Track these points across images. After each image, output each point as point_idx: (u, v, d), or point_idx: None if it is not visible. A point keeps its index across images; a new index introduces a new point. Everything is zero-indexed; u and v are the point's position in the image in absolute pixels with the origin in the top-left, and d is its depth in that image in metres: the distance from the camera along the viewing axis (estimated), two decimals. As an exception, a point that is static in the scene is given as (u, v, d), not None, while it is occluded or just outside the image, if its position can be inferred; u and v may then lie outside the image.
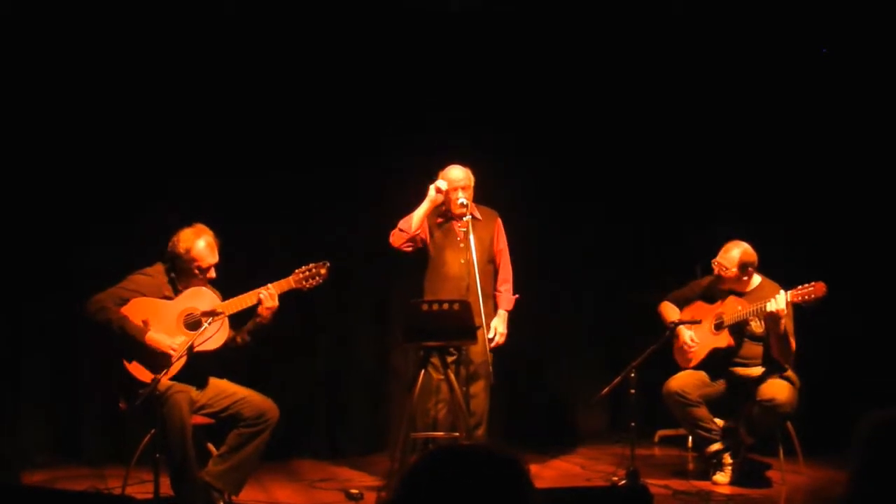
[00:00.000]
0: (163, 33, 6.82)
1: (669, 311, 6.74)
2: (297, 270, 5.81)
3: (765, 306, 6.09)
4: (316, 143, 7.20)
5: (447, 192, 6.37)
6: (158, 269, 5.77)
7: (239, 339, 5.74)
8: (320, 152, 7.20)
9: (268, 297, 5.67)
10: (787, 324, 6.23)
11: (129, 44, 6.77)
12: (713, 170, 7.58)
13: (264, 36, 6.99)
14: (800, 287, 6.10)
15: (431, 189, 6.31)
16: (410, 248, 6.33)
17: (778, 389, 6.29)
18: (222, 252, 5.76)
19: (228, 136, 6.99)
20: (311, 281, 5.79)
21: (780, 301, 6.03)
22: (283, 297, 5.74)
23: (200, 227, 5.74)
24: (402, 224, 6.36)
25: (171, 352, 5.52)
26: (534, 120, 7.52)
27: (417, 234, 6.29)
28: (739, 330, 6.44)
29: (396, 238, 6.35)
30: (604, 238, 7.71)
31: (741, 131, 7.58)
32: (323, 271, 5.79)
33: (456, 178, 6.40)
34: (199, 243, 5.70)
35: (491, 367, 6.13)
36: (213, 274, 5.74)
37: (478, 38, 7.23)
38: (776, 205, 7.36)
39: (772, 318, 6.12)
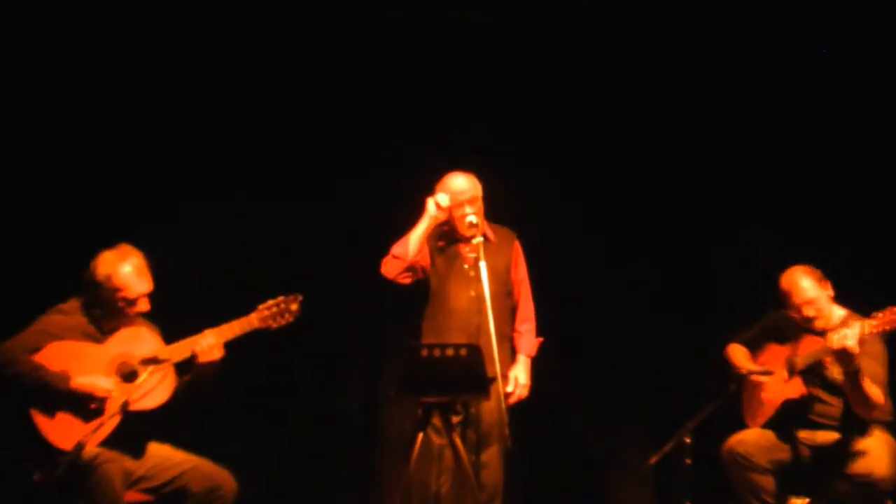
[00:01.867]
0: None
1: (739, 355, 5.46)
2: (261, 306, 4.84)
3: (832, 342, 4.83)
4: (293, 144, 6.18)
5: (450, 209, 5.20)
6: (74, 305, 4.79)
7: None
8: (298, 157, 6.17)
9: (206, 349, 4.61)
10: (869, 365, 4.98)
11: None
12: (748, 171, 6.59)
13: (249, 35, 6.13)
14: (879, 314, 4.88)
15: (430, 204, 5.18)
16: (409, 279, 5.21)
17: (874, 460, 5.03)
18: (163, 277, 4.81)
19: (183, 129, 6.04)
20: (279, 319, 4.82)
21: (849, 334, 4.76)
22: (248, 339, 4.76)
23: (125, 247, 4.78)
24: (395, 249, 5.21)
25: (107, 395, 4.58)
26: (551, 121, 6.48)
27: (416, 261, 5.16)
28: (816, 376, 5.15)
29: (391, 267, 5.20)
30: (645, 264, 6.52)
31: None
32: (294, 307, 4.82)
33: (459, 188, 5.26)
34: (124, 268, 4.73)
35: (507, 429, 5.00)
36: (144, 306, 4.78)
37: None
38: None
39: (842, 357, 4.86)
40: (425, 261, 5.18)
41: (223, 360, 4.69)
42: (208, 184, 6.07)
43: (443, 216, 5.16)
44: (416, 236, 5.15)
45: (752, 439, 5.25)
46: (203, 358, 4.67)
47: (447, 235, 5.33)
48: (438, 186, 5.31)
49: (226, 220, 6.03)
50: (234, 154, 6.20)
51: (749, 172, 6.57)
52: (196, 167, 6.08)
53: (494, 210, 5.39)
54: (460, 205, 5.21)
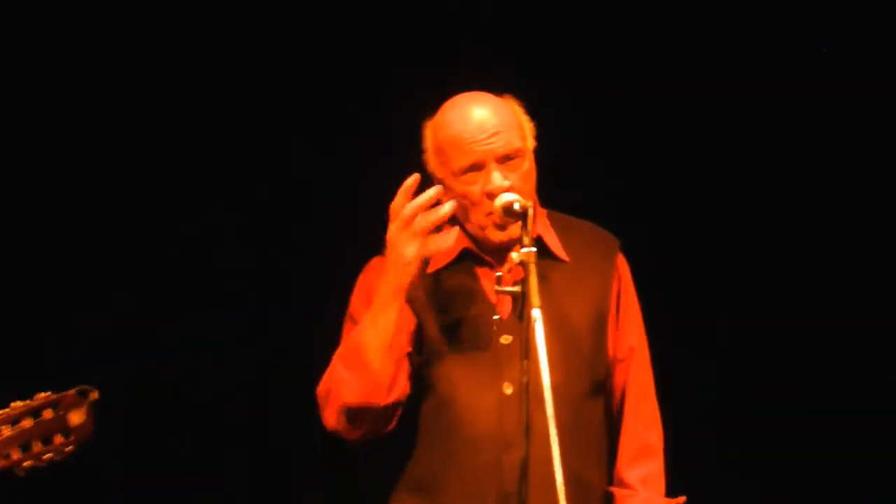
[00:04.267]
0: None
1: None
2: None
3: None
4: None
5: (450, 180, 2.36)
6: None
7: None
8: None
9: None
10: None
11: None
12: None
13: None
14: None
15: (405, 248, 2.30)
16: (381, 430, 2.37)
17: None
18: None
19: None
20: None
21: None
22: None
23: None
24: (341, 369, 2.32)
25: None
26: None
27: (395, 397, 2.31)
28: None
29: (335, 418, 2.36)
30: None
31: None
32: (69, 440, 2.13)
33: (469, 128, 2.34)
34: None
35: None
36: None
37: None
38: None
39: None
40: (406, 374, 2.34)
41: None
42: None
43: (442, 247, 2.31)
44: (380, 335, 2.29)
45: None
46: None
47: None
48: (430, 127, 2.40)
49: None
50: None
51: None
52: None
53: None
54: (476, 164, 2.32)
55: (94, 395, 2.19)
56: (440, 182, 2.34)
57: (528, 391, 2.05)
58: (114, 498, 3.39)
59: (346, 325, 2.40)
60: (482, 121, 2.31)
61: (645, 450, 2.38)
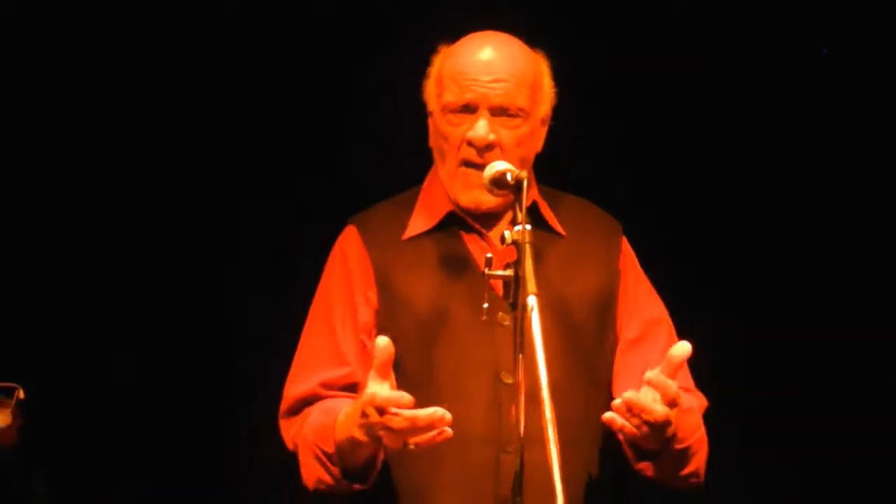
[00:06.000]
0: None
1: None
2: None
3: None
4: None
5: (438, 118, 2.11)
6: None
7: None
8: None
9: None
10: None
11: None
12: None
13: None
14: None
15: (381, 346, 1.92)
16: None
17: None
18: None
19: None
20: None
21: None
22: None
23: None
24: (310, 457, 2.08)
25: None
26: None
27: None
28: None
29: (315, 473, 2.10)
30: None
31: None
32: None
33: (475, 68, 2.08)
34: None
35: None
36: None
37: None
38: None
39: None
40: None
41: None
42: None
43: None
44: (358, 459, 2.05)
45: None
46: None
47: (431, 206, 2.17)
48: (438, 62, 2.17)
49: None
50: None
51: None
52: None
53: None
54: (468, 105, 2.07)
55: (20, 394, 1.96)
56: (430, 113, 2.12)
57: (524, 389, 1.78)
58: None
59: (320, 306, 2.16)
60: (491, 62, 2.05)
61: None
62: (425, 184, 2.19)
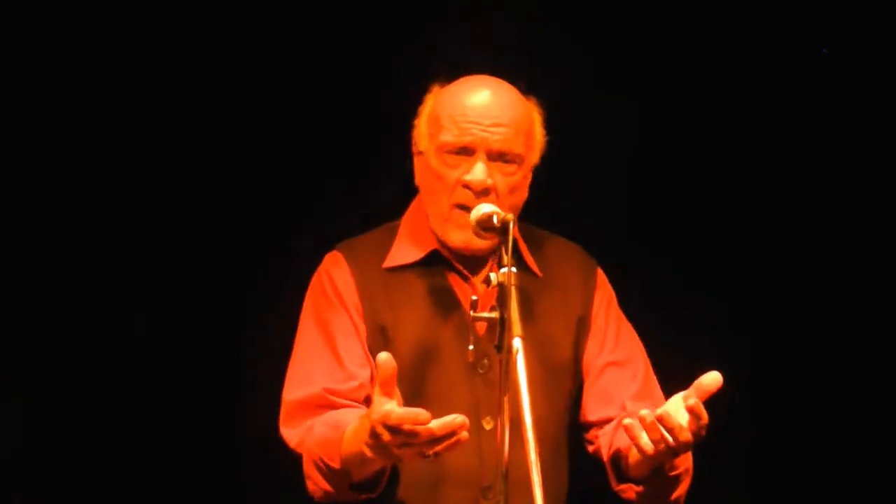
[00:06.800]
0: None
1: None
2: None
3: None
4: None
5: (431, 158, 2.12)
6: None
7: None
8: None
9: None
10: None
11: None
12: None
13: None
14: None
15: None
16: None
17: None
18: None
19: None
20: None
21: None
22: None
23: None
24: (316, 470, 2.06)
25: None
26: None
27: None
28: None
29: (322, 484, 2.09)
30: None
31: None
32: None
33: (475, 111, 2.07)
34: None
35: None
36: None
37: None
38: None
39: None
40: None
41: None
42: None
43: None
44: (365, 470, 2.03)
45: None
46: None
47: (414, 239, 2.18)
48: (432, 102, 2.17)
49: None
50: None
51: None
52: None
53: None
54: (466, 148, 2.07)
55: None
56: (419, 154, 2.10)
57: (508, 431, 1.79)
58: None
59: (313, 319, 2.15)
60: (491, 106, 2.05)
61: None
62: (406, 216, 2.19)
